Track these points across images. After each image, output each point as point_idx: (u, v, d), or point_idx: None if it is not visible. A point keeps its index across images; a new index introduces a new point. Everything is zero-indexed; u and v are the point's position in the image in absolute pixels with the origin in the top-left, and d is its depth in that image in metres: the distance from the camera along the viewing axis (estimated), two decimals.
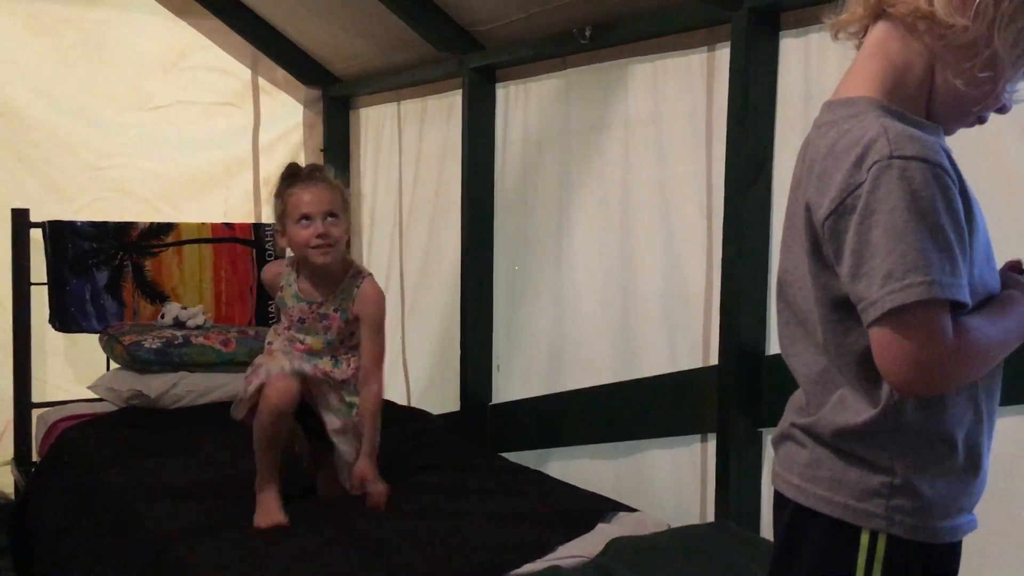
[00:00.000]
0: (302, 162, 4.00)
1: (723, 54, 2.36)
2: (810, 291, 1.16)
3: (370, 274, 2.41)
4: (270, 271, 2.51)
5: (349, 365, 2.35)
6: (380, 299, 2.38)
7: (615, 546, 2.02)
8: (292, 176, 2.32)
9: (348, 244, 2.44)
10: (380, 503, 2.28)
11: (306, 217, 2.27)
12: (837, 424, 1.16)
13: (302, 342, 2.35)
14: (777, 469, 1.24)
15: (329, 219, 2.27)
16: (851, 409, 1.15)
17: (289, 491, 2.33)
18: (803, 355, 1.22)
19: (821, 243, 1.12)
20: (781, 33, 2.25)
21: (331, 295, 2.33)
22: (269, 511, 2.23)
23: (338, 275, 2.35)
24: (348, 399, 2.35)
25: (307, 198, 2.27)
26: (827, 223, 1.09)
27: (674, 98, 2.56)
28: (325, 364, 2.34)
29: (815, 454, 1.18)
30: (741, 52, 2.25)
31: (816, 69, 2.19)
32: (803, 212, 1.14)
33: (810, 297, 1.16)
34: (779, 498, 1.23)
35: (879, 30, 1.17)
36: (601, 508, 2.31)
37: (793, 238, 1.19)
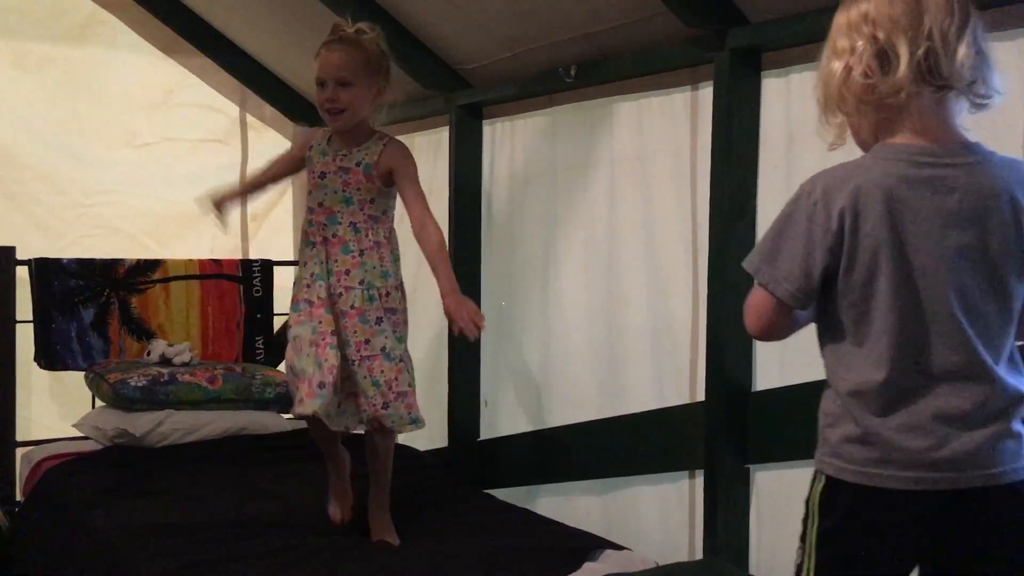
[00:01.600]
0: (290, 198, 4.06)
1: (706, 93, 2.39)
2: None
3: (395, 138, 2.42)
4: (305, 136, 2.52)
5: (368, 236, 2.36)
6: (407, 152, 2.40)
7: None
8: (328, 39, 2.34)
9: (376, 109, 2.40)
10: (472, 328, 2.25)
11: (321, 82, 2.31)
12: None
13: (326, 236, 2.33)
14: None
15: (339, 86, 2.28)
16: None
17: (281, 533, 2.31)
18: None
19: None
20: (763, 73, 2.28)
21: (355, 151, 2.35)
22: (334, 505, 2.42)
23: (363, 136, 2.36)
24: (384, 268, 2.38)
25: (321, 63, 2.32)
26: None
27: (659, 136, 2.59)
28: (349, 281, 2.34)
29: None
30: (724, 91, 2.28)
31: (797, 108, 2.22)
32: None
33: None
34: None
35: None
36: (589, 546, 2.30)
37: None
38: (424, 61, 3.12)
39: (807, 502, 1.41)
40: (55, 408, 3.56)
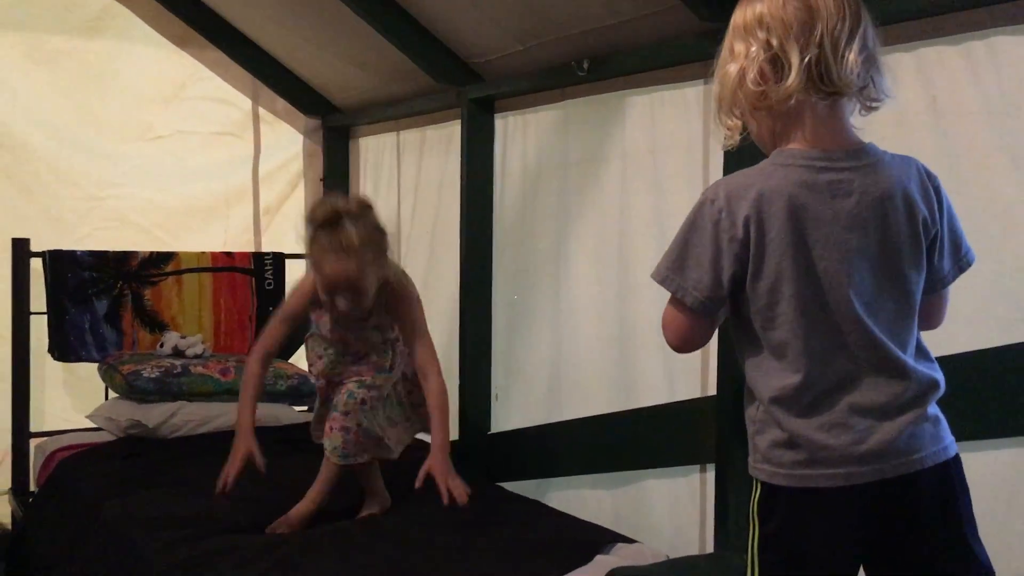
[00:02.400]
0: (302, 191, 4.07)
1: None
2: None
3: (393, 278, 2.39)
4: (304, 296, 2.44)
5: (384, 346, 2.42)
6: (406, 292, 2.40)
7: None
8: (323, 227, 2.24)
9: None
10: (463, 496, 2.21)
11: (332, 291, 2.26)
12: None
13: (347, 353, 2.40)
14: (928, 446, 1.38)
15: (355, 292, 2.25)
16: None
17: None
18: None
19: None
20: None
21: (370, 320, 2.40)
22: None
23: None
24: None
25: (330, 273, 2.23)
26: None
27: (671, 130, 2.58)
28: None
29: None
30: None
31: None
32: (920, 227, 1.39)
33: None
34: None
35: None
36: (599, 539, 2.31)
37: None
38: (436, 55, 3.12)
39: (749, 511, 1.43)
40: (69, 399, 3.59)
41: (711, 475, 2.42)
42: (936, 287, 1.45)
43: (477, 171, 3.19)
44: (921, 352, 1.42)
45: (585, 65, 2.66)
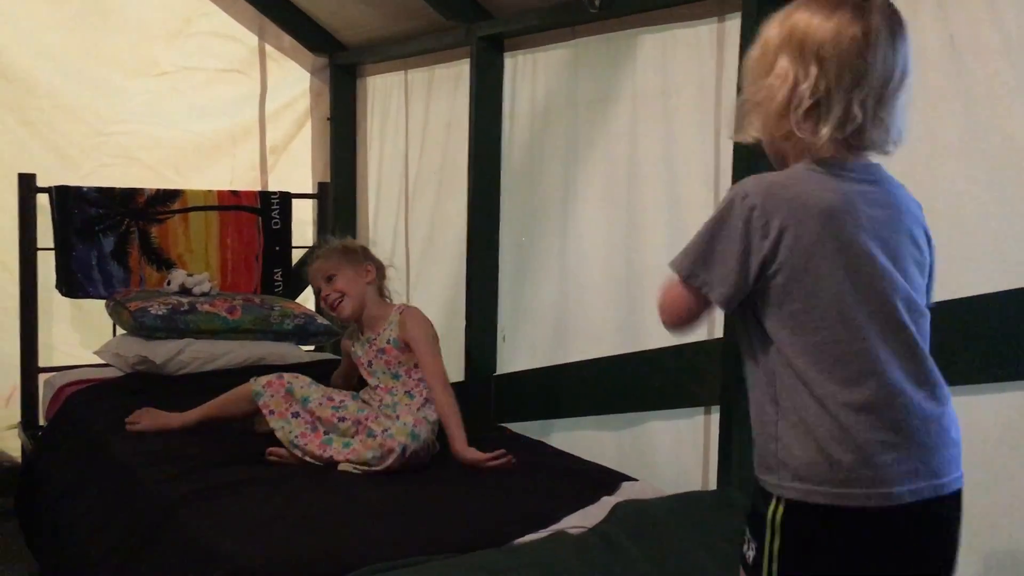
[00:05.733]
0: (308, 131, 4.05)
1: (734, 25, 2.34)
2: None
3: (410, 306, 2.74)
4: (344, 344, 2.82)
5: (420, 396, 2.56)
6: (420, 320, 2.64)
7: (618, 513, 2.03)
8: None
9: (380, 288, 2.72)
10: (508, 459, 2.41)
11: (316, 290, 2.74)
12: None
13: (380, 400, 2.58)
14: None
15: (328, 282, 2.65)
16: None
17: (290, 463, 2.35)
18: None
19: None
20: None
21: (382, 332, 2.62)
22: None
23: (381, 316, 2.65)
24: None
25: (310, 277, 2.77)
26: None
27: (683, 70, 2.54)
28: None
29: None
30: (752, 22, 2.23)
31: None
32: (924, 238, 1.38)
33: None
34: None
35: None
36: (605, 479, 2.32)
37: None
38: None
39: (763, 522, 1.34)
40: (77, 335, 3.60)
41: (715, 417, 2.43)
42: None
43: (485, 111, 3.15)
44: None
45: (597, 2, 2.61)
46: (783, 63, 1.33)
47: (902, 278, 1.33)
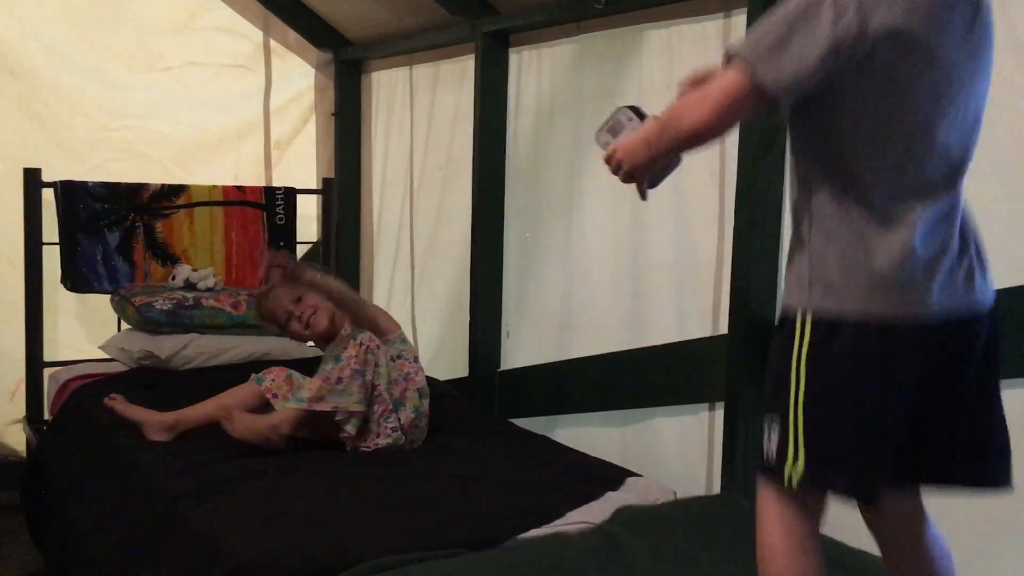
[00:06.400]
0: (313, 126, 4.05)
1: (739, 21, 2.34)
2: None
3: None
4: None
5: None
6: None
7: (623, 514, 2.03)
8: (265, 291, 2.75)
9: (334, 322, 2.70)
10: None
11: (287, 317, 2.70)
12: None
13: None
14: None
15: (297, 303, 2.68)
16: None
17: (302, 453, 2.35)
18: None
19: None
20: None
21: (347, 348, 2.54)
22: None
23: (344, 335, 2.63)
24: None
25: (274, 307, 2.74)
26: None
27: (689, 65, 2.51)
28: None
29: None
30: (758, 18, 2.22)
31: None
32: None
33: None
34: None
35: None
36: (609, 475, 2.32)
37: None
38: None
39: (788, 368, 1.33)
40: (82, 330, 3.61)
41: (720, 413, 2.42)
42: None
43: (491, 107, 3.15)
44: None
45: None
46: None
47: (961, 94, 1.32)
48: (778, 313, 1.41)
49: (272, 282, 2.67)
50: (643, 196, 1.46)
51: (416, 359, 2.67)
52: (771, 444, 1.35)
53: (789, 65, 1.27)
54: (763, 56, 1.28)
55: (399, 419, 2.52)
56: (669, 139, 1.36)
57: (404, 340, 2.67)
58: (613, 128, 1.43)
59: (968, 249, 1.34)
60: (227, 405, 2.54)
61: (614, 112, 1.45)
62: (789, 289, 1.38)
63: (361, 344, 2.46)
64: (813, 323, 1.31)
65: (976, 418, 1.37)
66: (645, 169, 1.38)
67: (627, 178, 1.42)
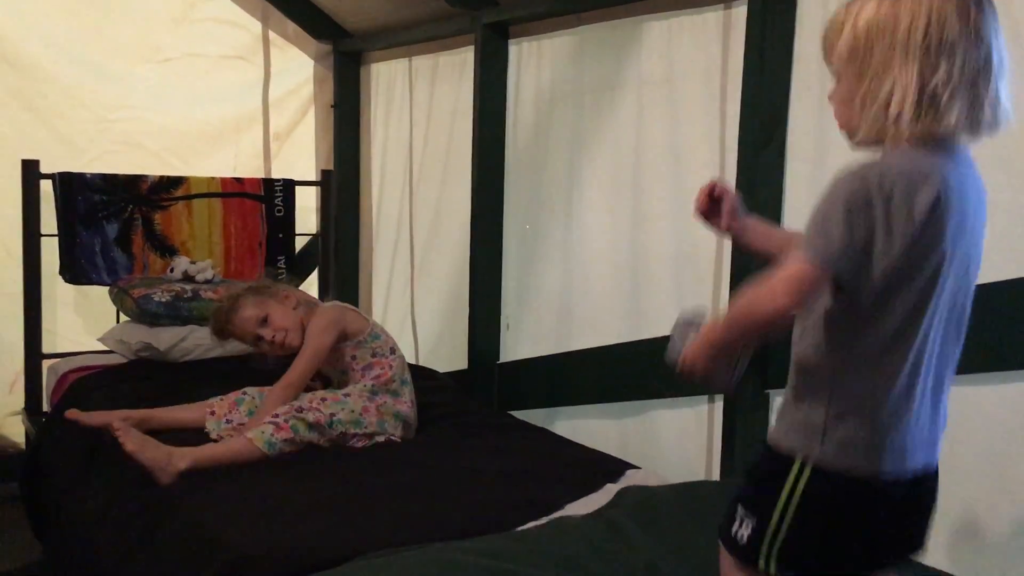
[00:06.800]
0: (312, 118, 4.04)
1: (740, 12, 2.33)
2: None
3: (328, 305, 2.68)
4: None
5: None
6: (320, 314, 2.60)
7: (622, 499, 2.03)
8: (226, 311, 2.67)
9: (307, 300, 2.71)
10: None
11: (256, 338, 2.64)
12: None
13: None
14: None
15: (266, 325, 2.61)
16: None
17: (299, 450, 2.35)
18: None
19: None
20: None
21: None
22: None
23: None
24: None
25: (239, 330, 2.67)
26: None
27: (689, 57, 2.53)
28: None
29: None
30: (758, 9, 2.22)
31: None
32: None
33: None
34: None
35: None
36: (608, 467, 2.32)
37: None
38: None
39: (782, 487, 1.33)
40: (80, 322, 3.61)
41: (719, 405, 2.42)
42: None
43: (490, 99, 3.14)
44: None
45: None
46: (875, 52, 1.28)
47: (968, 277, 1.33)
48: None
49: (231, 304, 2.65)
50: (729, 392, 1.47)
51: (393, 349, 2.63)
52: (743, 531, 1.36)
53: (836, 245, 1.25)
54: (829, 252, 1.25)
55: (386, 416, 2.52)
56: (741, 330, 1.35)
57: (376, 335, 2.62)
58: (674, 343, 1.47)
59: (939, 405, 1.36)
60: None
61: (672, 331, 1.49)
62: (788, 431, 1.36)
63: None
64: (813, 471, 1.32)
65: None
66: (714, 366, 1.40)
67: (703, 380, 1.43)
